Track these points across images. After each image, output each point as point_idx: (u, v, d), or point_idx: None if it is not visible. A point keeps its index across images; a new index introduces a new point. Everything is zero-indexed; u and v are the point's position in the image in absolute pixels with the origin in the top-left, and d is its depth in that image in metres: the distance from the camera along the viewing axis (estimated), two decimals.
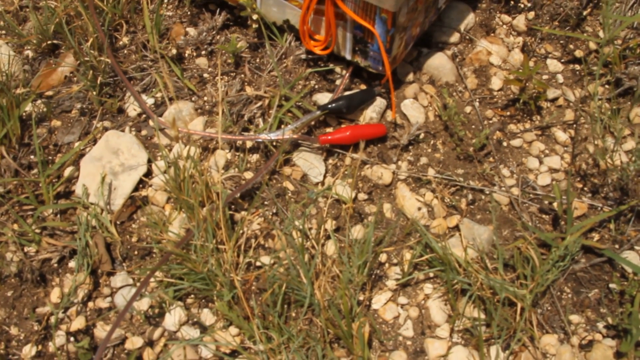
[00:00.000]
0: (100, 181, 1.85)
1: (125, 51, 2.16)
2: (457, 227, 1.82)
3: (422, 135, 1.96)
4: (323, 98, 2.00)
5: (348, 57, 2.00)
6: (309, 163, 1.90)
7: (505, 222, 1.84)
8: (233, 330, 1.68)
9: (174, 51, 2.09)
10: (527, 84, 1.97)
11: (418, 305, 1.74)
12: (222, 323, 1.69)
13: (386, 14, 1.80)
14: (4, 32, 2.23)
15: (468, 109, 2.03)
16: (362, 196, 1.87)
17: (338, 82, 2.04)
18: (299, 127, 1.90)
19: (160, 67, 2.04)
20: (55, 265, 1.79)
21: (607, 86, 2.07)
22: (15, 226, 1.84)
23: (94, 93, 2.03)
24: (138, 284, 1.75)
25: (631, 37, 2.12)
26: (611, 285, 1.75)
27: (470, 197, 1.87)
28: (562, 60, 2.15)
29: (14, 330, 1.71)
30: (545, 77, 2.10)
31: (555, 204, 1.85)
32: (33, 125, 1.95)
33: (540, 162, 1.94)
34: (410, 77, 2.07)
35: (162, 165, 1.88)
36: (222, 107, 1.96)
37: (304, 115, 1.95)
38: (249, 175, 1.89)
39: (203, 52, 2.14)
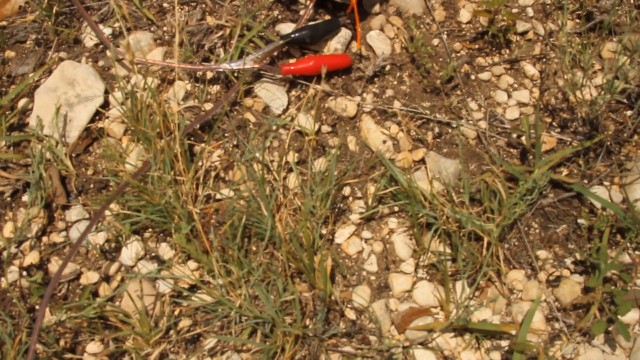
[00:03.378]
0: (55, 112, 1.79)
1: None
2: (422, 161, 1.78)
3: (387, 67, 1.91)
4: (286, 28, 1.94)
5: None
6: (271, 94, 1.85)
7: (472, 156, 1.81)
8: (192, 264, 1.64)
9: None
10: (496, 16, 1.93)
11: (382, 239, 1.70)
12: (181, 257, 1.65)
13: None
14: None
15: (435, 41, 1.98)
16: (325, 128, 1.82)
17: (302, 12, 1.98)
18: (261, 57, 1.84)
19: None
20: (9, 199, 1.74)
21: (577, 20, 2.03)
22: None
23: (50, 23, 1.96)
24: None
25: None
26: (579, 221, 1.73)
27: (436, 130, 1.83)
28: None
29: None
30: (515, 10, 2.05)
31: (523, 138, 1.81)
32: None
33: (509, 96, 1.90)
34: (377, 8, 2.01)
35: (120, 96, 1.82)
36: (181, 36, 1.90)
37: (266, 45, 1.88)
38: (209, 106, 1.84)
39: None
